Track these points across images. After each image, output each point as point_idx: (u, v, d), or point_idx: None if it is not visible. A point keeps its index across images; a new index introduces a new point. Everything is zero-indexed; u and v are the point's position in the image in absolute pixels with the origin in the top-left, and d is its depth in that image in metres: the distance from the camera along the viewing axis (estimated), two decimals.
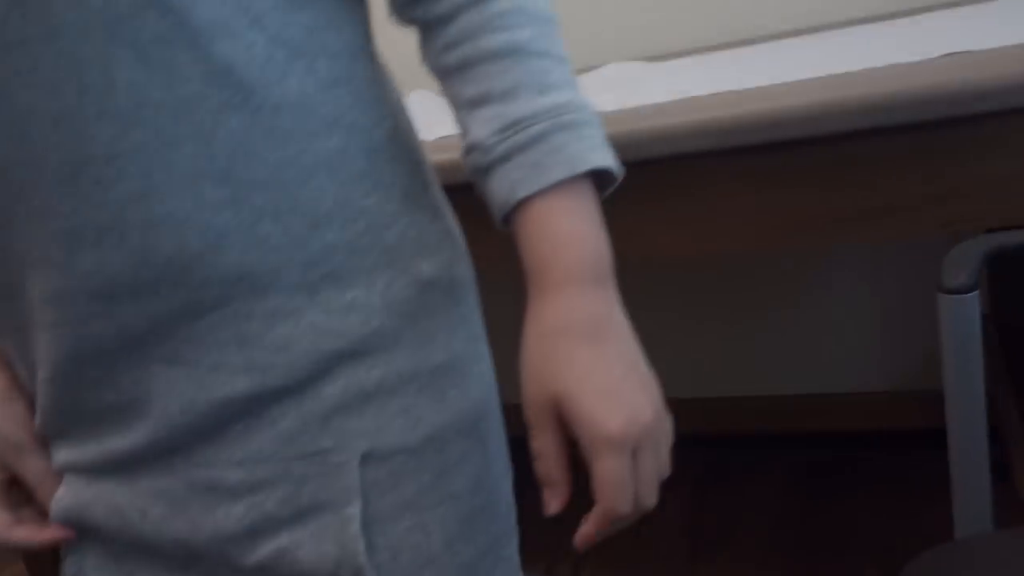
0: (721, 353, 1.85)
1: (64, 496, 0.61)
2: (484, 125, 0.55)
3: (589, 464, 0.54)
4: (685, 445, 1.74)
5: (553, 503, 0.56)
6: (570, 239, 0.54)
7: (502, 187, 0.55)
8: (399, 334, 0.57)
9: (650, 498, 0.55)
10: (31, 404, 0.62)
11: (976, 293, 0.80)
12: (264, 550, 0.57)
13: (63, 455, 0.61)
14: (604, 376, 0.53)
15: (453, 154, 0.69)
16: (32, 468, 0.62)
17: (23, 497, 0.63)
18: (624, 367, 0.54)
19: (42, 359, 0.57)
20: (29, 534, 0.61)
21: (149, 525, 0.58)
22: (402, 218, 0.58)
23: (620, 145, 0.69)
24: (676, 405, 1.75)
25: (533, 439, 0.56)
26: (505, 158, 0.54)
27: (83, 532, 0.61)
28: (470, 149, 0.56)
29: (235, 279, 0.53)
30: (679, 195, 1.01)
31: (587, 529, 0.55)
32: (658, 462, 0.55)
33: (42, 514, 0.63)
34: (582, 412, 0.53)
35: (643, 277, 1.82)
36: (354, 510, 0.56)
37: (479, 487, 0.61)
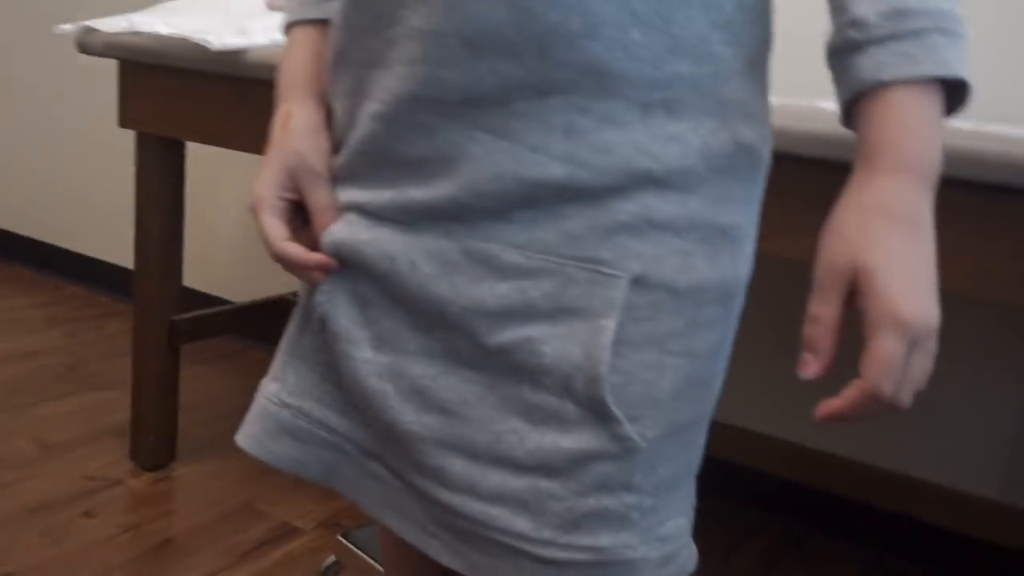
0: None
1: (339, 231, 0.65)
2: (870, 5, 0.55)
3: (867, 340, 0.54)
4: (772, 488, 1.68)
5: (812, 367, 0.56)
6: (917, 133, 0.55)
7: (866, 66, 0.55)
8: (703, 181, 0.59)
9: (907, 397, 0.55)
10: (334, 144, 0.68)
11: None
12: (511, 335, 0.60)
13: (351, 195, 0.65)
14: (913, 266, 0.54)
15: None
16: (320, 197, 0.66)
17: (300, 223, 0.68)
18: (928, 270, 0.55)
19: (378, 94, 0.62)
20: (299, 252, 0.66)
21: (415, 279, 0.62)
22: (743, 80, 0.60)
23: None
24: (770, 443, 1.71)
25: (814, 302, 0.56)
26: (881, 41, 0.55)
27: (345, 270, 0.66)
28: (848, 24, 0.56)
29: (590, 71, 0.56)
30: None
31: (837, 402, 0.55)
32: (924, 369, 0.55)
33: (312, 245, 0.67)
34: (884, 288, 0.53)
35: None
36: (610, 323, 0.58)
37: (712, 358, 0.63)
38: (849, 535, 1.72)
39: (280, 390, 0.70)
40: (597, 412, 0.59)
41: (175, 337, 1.67)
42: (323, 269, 0.66)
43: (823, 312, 0.55)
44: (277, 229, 0.67)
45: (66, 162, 2.73)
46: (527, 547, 0.60)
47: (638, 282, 0.58)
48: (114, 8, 2.10)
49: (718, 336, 0.63)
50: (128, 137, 2.36)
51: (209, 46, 1.33)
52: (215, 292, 2.46)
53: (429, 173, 0.61)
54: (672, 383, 0.60)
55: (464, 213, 0.60)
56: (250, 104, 1.44)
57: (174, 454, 1.76)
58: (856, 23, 0.56)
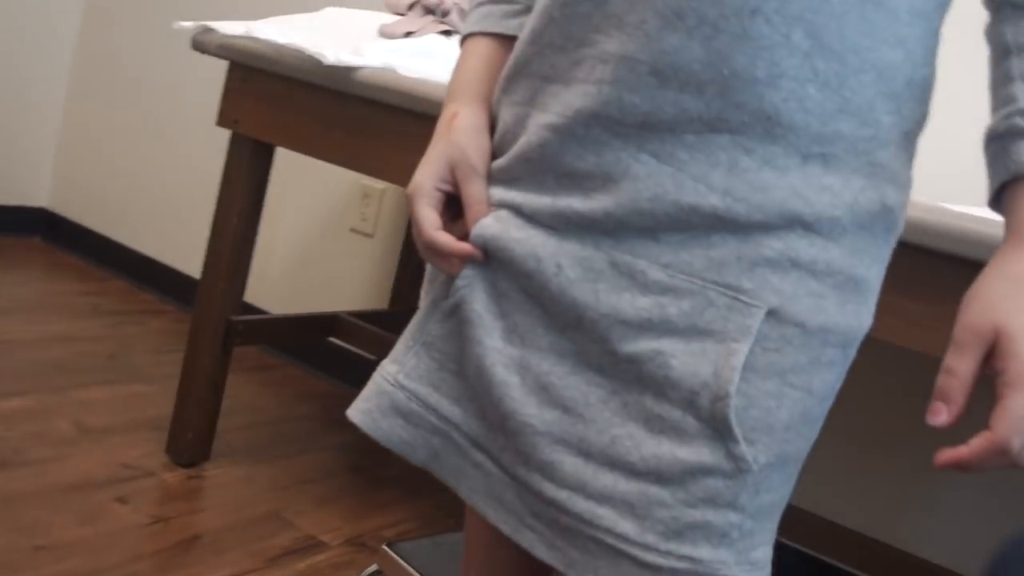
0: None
1: (491, 225, 0.68)
2: None
3: (1001, 397, 0.57)
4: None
5: (943, 416, 0.59)
6: None
7: None
8: (845, 232, 0.63)
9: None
10: (493, 149, 0.72)
11: None
12: (643, 345, 0.63)
13: (508, 195, 0.69)
14: None
15: None
16: (476, 190, 0.70)
17: (451, 217, 0.71)
18: None
19: (556, 108, 0.65)
20: (448, 240, 0.69)
21: (558, 281, 0.65)
22: (896, 148, 0.64)
23: None
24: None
25: (952, 357, 0.60)
26: None
27: (488, 263, 0.69)
28: (1017, 113, 0.61)
29: (763, 116, 0.60)
30: None
31: (964, 450, 0.58)
32: None
33: (461, 238, 0.70)
34: (1020, 352, 0.57)
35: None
36: (743, 347, 0.61)
37: (824, 399, 0.66)
38: None
39: (398, 372, 0.72)
40: (718, 429, 0.61)
41: (230, 338, 1.69)
42: (468, 259, 0.69)
43: (960, 367, 0.59)
44: (431, 217, 0.70)
45: (140, 158, 2.79)
46: (629, 549, 0.62)
47: (773, 314, 0.61)
48: (229, 14, 2.18)
49: (834, 378, 0.65)
50: (205, 143, 2.42)
51: (323, 59, 1.38)
52: (254, 302, 2.49)
53: (591, 187, 0.64)
54: (788, 414, 0.63)
55: (616, 228, 0.64)
56: (349, 119, 1.48)
57: (208, 454, 1.77)
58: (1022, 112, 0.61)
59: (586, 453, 0.64)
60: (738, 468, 0.62)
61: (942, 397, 0.59)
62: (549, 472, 0.65)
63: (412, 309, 2.47)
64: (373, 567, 1.15)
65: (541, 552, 0.66)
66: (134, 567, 1.38)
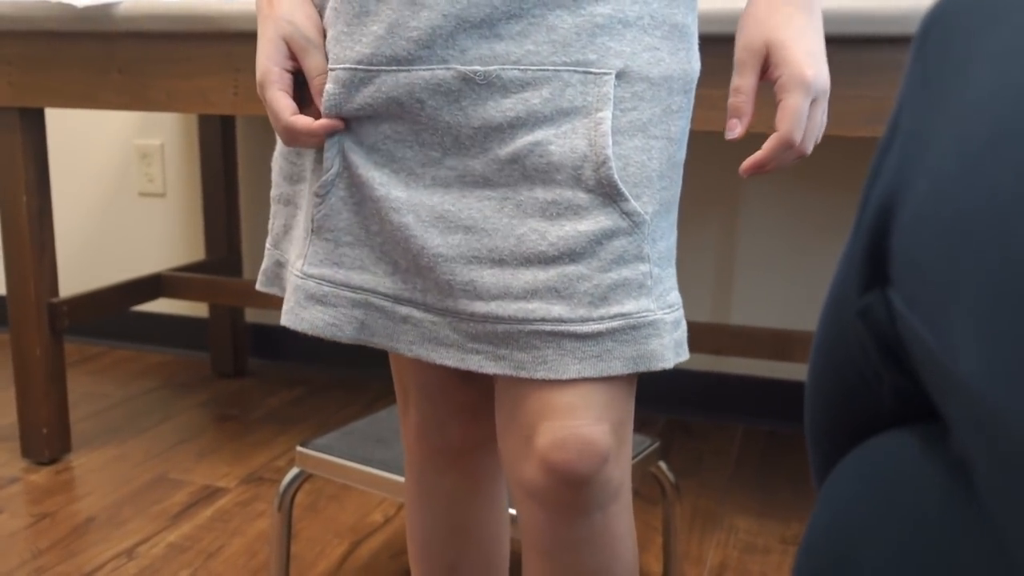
0: None
1: (337, 93, 0.70)
2: None
3: (780, 100, 0.68)
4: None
5: (738, 129, 0.71)
6: None
7: None
8: None
9: (810, 145, 0.70)
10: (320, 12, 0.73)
11: None
12: (521, 142, 0.67)
13: (342, 51, 0.70)
14: (811, 40, 0.69)
15: None
16: (313, 63, 0.71)
17: (301, 99, 0.72)
18: (820, 43, 0.70)
19: None
20: (306, 122, 0.70)
21: (424, 112, 0.69)
22: None
23: None
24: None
25: (737, 77, 0.70)
26: None
27: (351, 124, 0.71)
28: None
29: None
30: None
31: (759, 154, 0.70)
32: (822, 122, 0.71)
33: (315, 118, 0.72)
34: (791, 57, 0.68)
35: None
36: (606, 114, 0.67)
37: (682, 142, 0.73)
38: (730, 410, 1.91)
39: (303, 264, 0.74)
40: (607, 194, 0.67)
41: (57, 320, 1.61)
42: (330, 132, 0.71)
43: (743, 83, 0.70)
44: (284, 103, 0.71)
45: None
46: (567, 327, 0.67)
47: (621, 76, 0.67)
48: None
49: (684, 123, 0.73)
50: None
51: (75, 4, 1.32)
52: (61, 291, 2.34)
53: (413, 3, 0.67)
54: (659, 163, 0.69)
55: (456, 31, 0.66)
56: (121, 60, 1.42)
57: (69, 446, 1.69)
58: None
59: (499, 261, 0.68)
60: (634, 223, 0.67)
61: (735, 114, 0.70)
62: (474, 290, 0.68)
63: (233, 254, 2.42)
64: (294, 471, 1.17)
65: (490, 368, 0.69)
66: (37, 563, 1.33)
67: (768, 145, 0.69)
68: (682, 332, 0.73)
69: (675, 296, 0.72)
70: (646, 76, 0.68)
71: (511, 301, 0.68)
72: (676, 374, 1.92)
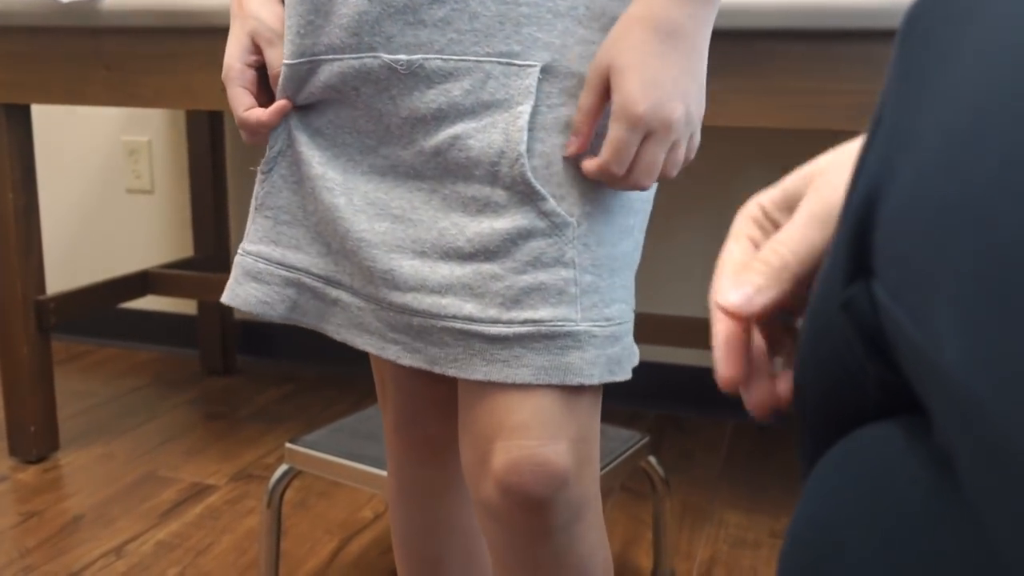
0: None
1: (288, 77, 0.71)
2: None
3: (608, 130, 0.63)
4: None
5: (573, 147, 0.65)
6: None
7: None
8: None
9: (646, 179, 0.64)
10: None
11: None
12: (443, 135, 0.66)
13: (291, 46, 0.70)
14: (656, 69, 0.62)
15: None
16: (275, 55, 0.72)
17: (266, 97, 0.73)
18: (679, 72, 0.63)
19: None
20: (258, 113, 0.71)
21: (361, 100, 0.68)
22: None
23: None
24: None
25: (582, 95, 0.64)
26: None
27: (298, 110, 0.72)
28: None
29: None
30: None
31: (589, 163, 0.64)
32: (655, 158, 0.64)
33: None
34: (622, 86, 0.62)
35: None
36: (525, 108, 0.64)
37: None
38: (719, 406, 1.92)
39: (246, 242, 0.74)
40: (523, 192, 0.64)
41: (44, 318, 1.60)
42: (282, 113, 0.71)
43: (585, 102, 0.64)
44: (241, 98, 0.72)
45: None
46: (476, 327, 0.65)
47: (548, 70, 0.64)
48: None
49: None
50: None
51: None
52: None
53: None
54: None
55: (380, 23, 0.66)
56: (107, 55, 1.41)
57: (57, 444, 1.68)
58: None
59: (420, 252, 0.67)
60: (554, 224, 0.64)
61: (574, 131, 0.65)
62: (391, 279, 0.67)
63: (221, 251, 2.43)
64: (283, 468, 1.17)
65: (406, 360, 0.69)
66: (25, 562, 1.32)
67: (595, 162, 0.64)
68: (622, 349, 0.69)
69: (617, 310, 0.68)
70: (577, 72, 0.65)
71: (426, 294, 0.67)
72: (665, 369, 1.93)
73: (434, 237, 0.66)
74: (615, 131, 0.62)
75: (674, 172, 0.66)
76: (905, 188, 0.27)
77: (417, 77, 0.66)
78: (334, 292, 0.72)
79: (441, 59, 0.65)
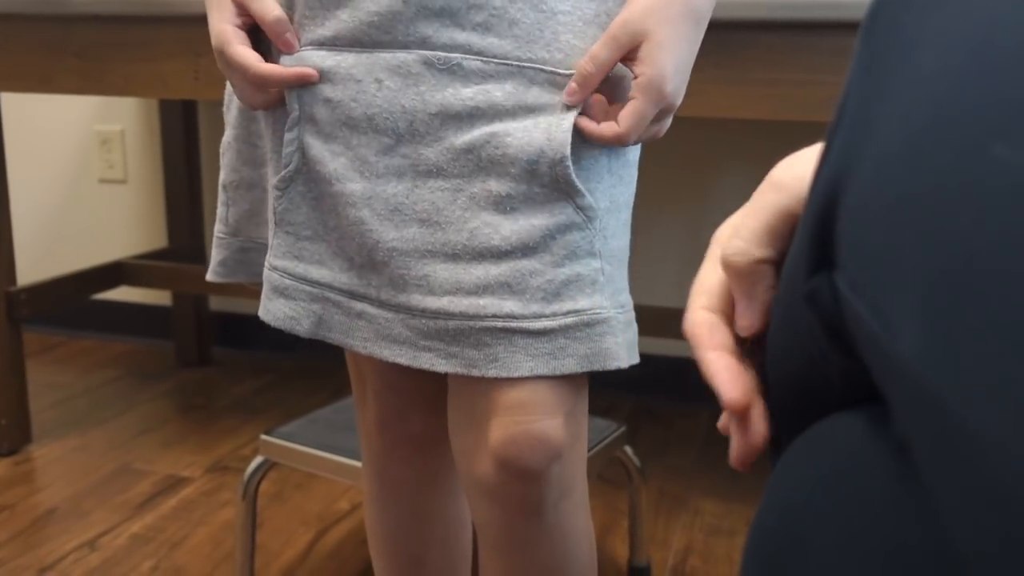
0: None
1: (294, 61, 0.69)
2: None
3: (632, 96, 0.65)
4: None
5: (575, 96, 0.65)
6: None
7: None
8: None
9: (632, 145, 0.69)
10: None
11: None
12: (478, 132, 0.66)
13: (306, 34, 0.69)
14: (684, 52, 0.66)
15: None
16: (267, 8, 0.69)
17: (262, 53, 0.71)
18: (690, 61, 0.67)
19: None
20: (279, 69, 0.69)
21: (383, 94, 0.67)
22: None
23: None
24: None
25: (600, 45, 0.65)
26: None
27: (304, 113, 0.69)
28: None
29: None
30: None
31: (607, 128, 0.66)
32: (658, 133, 0.69)
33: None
34: (659, 61, 0.64)
35: None
36: (571, 114, 0.66)
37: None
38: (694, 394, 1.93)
39: (271, 256, 0.73)
40: (562, 189, 0.66)
41: (16, 309, 1.58)
42: (304, 80, 0.68)
43: (603, 55, 0.65)
44: (248, 54, 0.69)
45: None
46: (518, 324, 0.66)
47: None
48: None
49: None
50: None
51: None
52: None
53: None
54: (608, 159, 0.69)
55: (414, 23, 0.65)
56: (78, 43, 1.40)
57: (29, 437, 1.67)
58: None
59: (453, 255, 0.66)
60: (587, 218, 0.67)
61: (579, 80, 0.65)
62: (426, 285, 0.67)
63: (196, 241, 2.41)
64: (258, 460, 1.16)
65: (441, 367, 0.68)
66: None
67: (598, 132, 0.66)
68: (634, 334, 0.72)
69: (627, 297, 0.72)
70: (609, 76, 0.67)
71: (463, 296, 0.67)
72: (642, 359, 1.93)
73: (465, 238, 0.66)
74: (642, 103, 0.65)
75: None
76: (866, 179, 0.27)
77: (454, 75, 0.66)
78: (359, 305, 0.71)
79: (481, 60, 0.65)
